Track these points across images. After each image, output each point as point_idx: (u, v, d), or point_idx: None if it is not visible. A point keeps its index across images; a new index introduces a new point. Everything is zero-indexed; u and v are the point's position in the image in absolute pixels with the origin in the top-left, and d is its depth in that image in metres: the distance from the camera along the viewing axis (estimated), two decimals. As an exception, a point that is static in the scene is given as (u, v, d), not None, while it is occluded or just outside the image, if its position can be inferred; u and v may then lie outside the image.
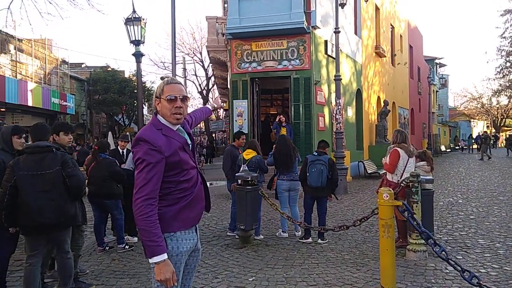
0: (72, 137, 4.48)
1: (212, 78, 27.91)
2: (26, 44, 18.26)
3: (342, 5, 11.31)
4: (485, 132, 31.16)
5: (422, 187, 5.00)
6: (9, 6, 11.13)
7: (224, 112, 31.95)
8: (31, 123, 18.55)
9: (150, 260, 1.98)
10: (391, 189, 3.55)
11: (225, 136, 31.69)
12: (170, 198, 2.12)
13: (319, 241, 5.78)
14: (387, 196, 3.26)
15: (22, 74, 17.93)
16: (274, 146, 6.43)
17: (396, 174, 5.33)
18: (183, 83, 2.24)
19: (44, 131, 3.78)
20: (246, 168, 5.95)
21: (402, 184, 5.02)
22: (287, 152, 6.18)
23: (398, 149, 5.33)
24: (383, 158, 5.65)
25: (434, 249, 3.04)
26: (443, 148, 32.47)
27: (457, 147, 39.49)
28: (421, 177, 4.91)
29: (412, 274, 4.37)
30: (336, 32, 11.11)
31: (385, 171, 5.64)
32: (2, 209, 3.43)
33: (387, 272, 3.26)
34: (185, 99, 2.19)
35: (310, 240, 5.80)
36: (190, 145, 2.26)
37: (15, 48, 17.52)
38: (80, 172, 3.75)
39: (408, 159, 5.32)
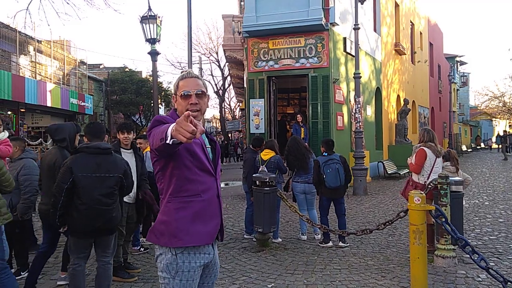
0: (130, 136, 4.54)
1: (228, 78, 27.79)
2: (45, 45, 18.44)
3: (362, 1, 11.00)
4: (505, 131, 30.20)
5: (450, 189, 4.71)
6: (27, 7, 11.22)
7: (240, 112, 31.83)
8: (50, 124, 18.82)
9: (169, 141, 1.62)
10: (422, 192, 3.29)
11: (241, 136, 31.55)
12: (176, 201, 1.93)
13: (340, 243, 5.54)
14: (419, 200, 3.01)
15: (41, 75, 18.12)
16: (285, 148, 6.22)
17: (423, 175, 5.06)
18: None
19: (101, 130, 3.69)
20: (265, 169, 5.75)
21: (429, 186, 4.74)
22: (299, 153, 5.96)
23: (425, 148, 5.05)
24: (408, 158, 5.38)
25: (472, 257, 2.79)
26: (464, 148, 31.63)
27: (478, 147, 38.41)
28: (450, 178, 4.62)
29: (442, 282, 4.10)
30: (356, 28, 10.81)
31: (410, 171, 5.36)
32: (56, 211, 3.28)
33: (418, 282, 3.02)
34: (202, 94, 1.99)
35: (330, 244, 5.57)
36: (211, 154, 2.07)
37: (34, 49, 17.71)
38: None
39: (435, 159, 5.04)
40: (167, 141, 1.62)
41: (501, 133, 27.13)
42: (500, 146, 26.40)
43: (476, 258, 2.81)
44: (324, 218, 5.73)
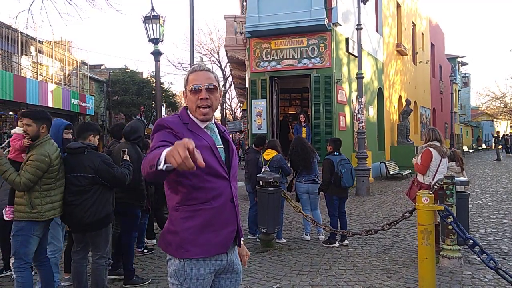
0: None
1: (230, 79, 27.81)
2: (47, 46, 18.43)
3: (364, 1, 10.98)
4: (497, 132, 30.26)
5: (456, 189, 4.69)
6: (29, 8, 11.19)
7: (241, 113, 31.81)
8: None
9: (162, 167, 1.44)
10: (431, 192, 3.27)
11: (242, 136, 31.55)
12: (183, 210, 1.79)
13: (345, 242, 5.54)
14: (427, 200, 2.98)
15: (43, 76, 18.12)
16: (290, 148, 6.21)
17: (428, 176, 5.03)
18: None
19: (80, 130, 3.67)
20: (268, 168, 5.73)
21: (435, 186, 4.72)
22: (304, 152, 5.94)
23: (431, 149, 5.03)
24: (413, 158, 5.37)
25: (481, 257, 2.76)
26: (465, 148, 31.58)
27: (480, 148, 38.37)
28: (455, 179, 4.60)
29: (448, 282, 4.07)
30: (358, 28, 10.80)
31: (415, 172, 5.34)
32: None
33: (426, 283, 2.99)
34: (213, 89, 1.83)
35: (336, 244, 5.55)
36: (223, 154, 1.88)
37: (36, 50, 17.70)
38: (116, 169, 3.55)
39: (441, 160, 5.02)
40: (159, 167, 1.44)
41: (495, 135, 27.17)
42: (494, 146, 26.47)
43: (485, 258, 2.78)
44: (334, 218, 5.72)
